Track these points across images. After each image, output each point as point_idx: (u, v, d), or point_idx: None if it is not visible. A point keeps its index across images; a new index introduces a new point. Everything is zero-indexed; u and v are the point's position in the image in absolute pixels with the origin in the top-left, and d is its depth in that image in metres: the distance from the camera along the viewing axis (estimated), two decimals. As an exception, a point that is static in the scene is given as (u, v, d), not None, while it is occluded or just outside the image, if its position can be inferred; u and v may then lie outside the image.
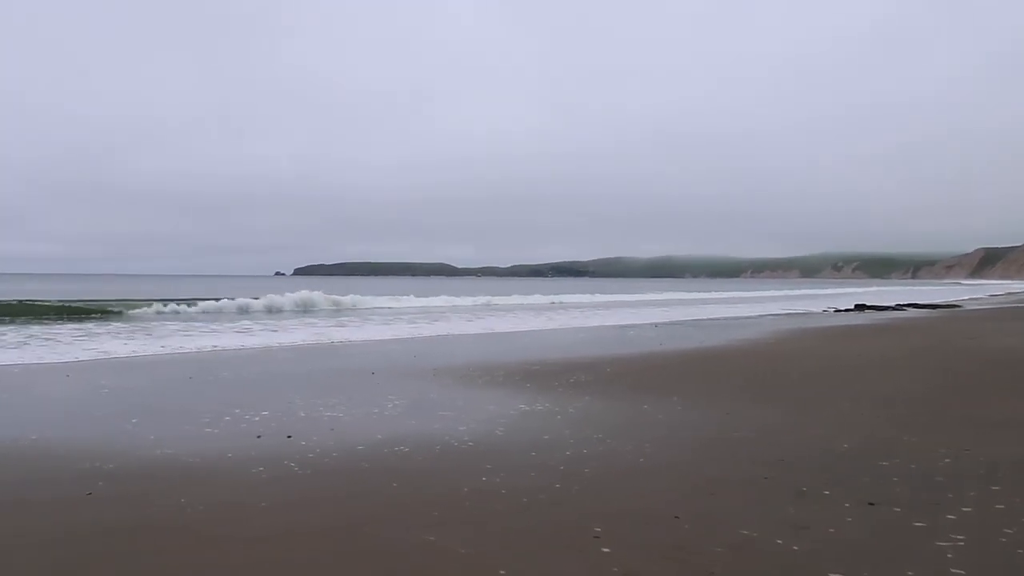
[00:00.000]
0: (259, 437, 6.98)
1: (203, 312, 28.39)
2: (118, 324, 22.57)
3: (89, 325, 22.02)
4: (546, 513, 4.73)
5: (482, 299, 42.81)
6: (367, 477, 5.63)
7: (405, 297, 41.39)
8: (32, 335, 18.13)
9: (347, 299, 35.75)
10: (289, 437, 6.95)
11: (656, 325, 24.28)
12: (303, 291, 34.54)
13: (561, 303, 42.96)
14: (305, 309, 31.87)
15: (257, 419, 7.84)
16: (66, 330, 19.80)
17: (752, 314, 31.43)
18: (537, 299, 46.37)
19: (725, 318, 28.70)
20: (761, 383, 10.67)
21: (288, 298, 32.41)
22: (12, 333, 18.59)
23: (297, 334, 19.69)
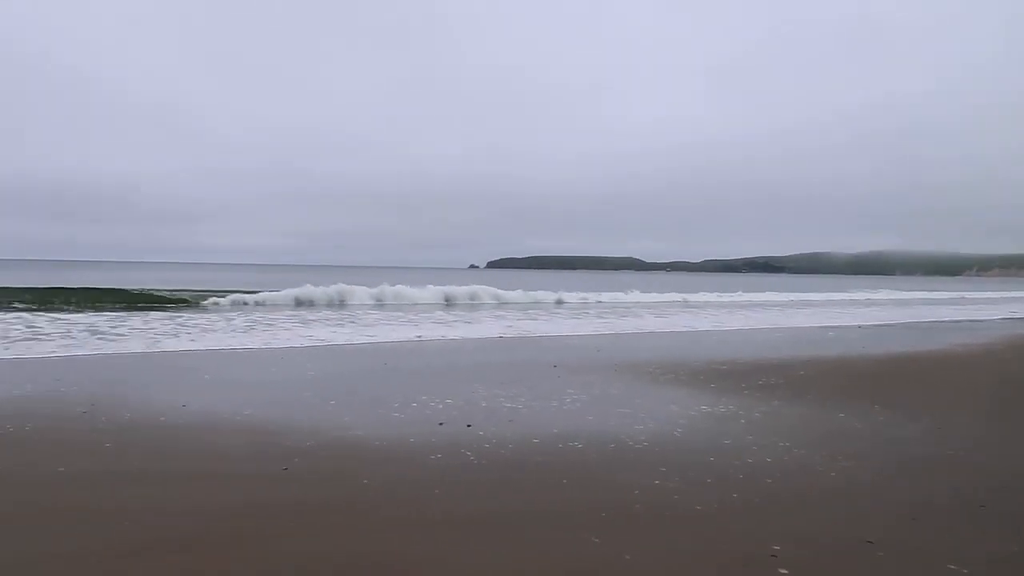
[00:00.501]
0: (441, 424, 7.25)
1: (402, 304, 30.19)
2: (328, 312, 24.57)
3: (303, 312, 24.19)
4: (720, 523, 4.48)
5: (671, 295, 41.81)
6: (539, 471, 5.65)
7: (593, 292, 41.41)
8: (256, 321, 20.21)
9: (536, 293, 36.51)
10: (469, 426, 7.17)
11: (860, 327, 22.42)
12: (472, 285, 35.61)
13: (755, 301, 40.99)
14: (498, 303, 32.90)
15: (441, 407, 8.16)
16: (283, 316, 21.88)
17: (976, 317, 28.13)
18: (729, 296, 44.59)
19: (943, 321, 25.91)
20: (982, 395, 9.48)
21: (469, 290, 33.73)
22: (240, 318, 20.85)
23: (487, 326, 20.36)
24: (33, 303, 23.73)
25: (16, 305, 23.07)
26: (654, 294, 42.00)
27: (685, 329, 21.13)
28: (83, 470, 5.49)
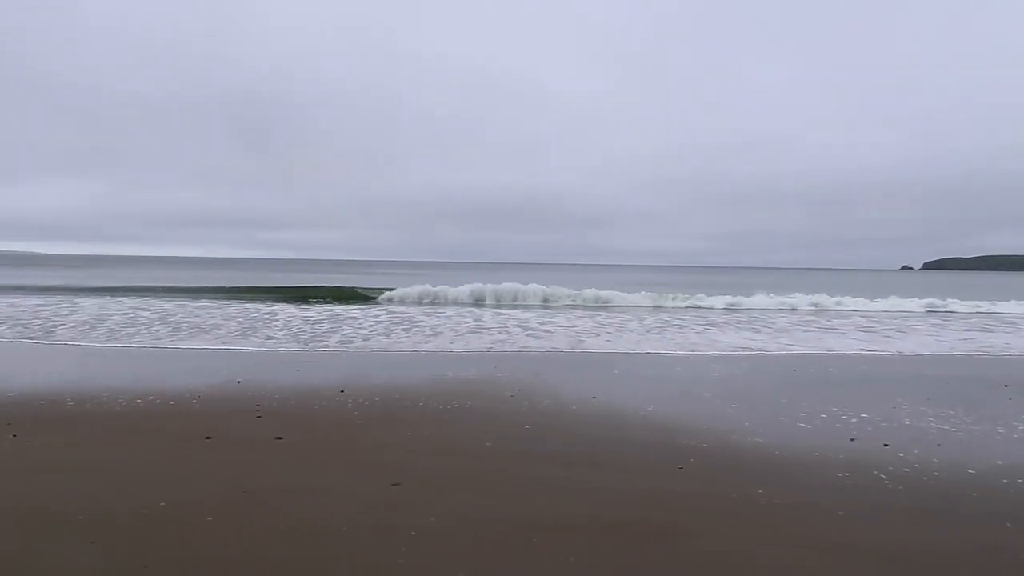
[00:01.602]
0: (852, 440, 6.59)
1: (819, 309, 28.31)
2: (736, 315, 24.19)
3: (711, 316, 24.19)
4: None
5: None
6: (974, 507, 4.76)
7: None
8: (666, 322, 20.81)
9: (986, 302, 31.12)
10: (886, 445, 6.39)
11: None
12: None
13: None
14: (935, 311, 28.88)
15: (854, 421, 7.43)
16: (691, 318, 22.16)
17: None
18: None
19: None
20: None
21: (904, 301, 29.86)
22: (651, 319, 21.68)
23: (923, 338, 18.03)
24: (484, 300, 27.89)
25: (464, 301, 27.34)
26: None
27: None
28: (506, 446, 6.23)
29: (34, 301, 23.24)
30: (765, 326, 19.87)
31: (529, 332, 16.90)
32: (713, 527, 4.35)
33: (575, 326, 18.66)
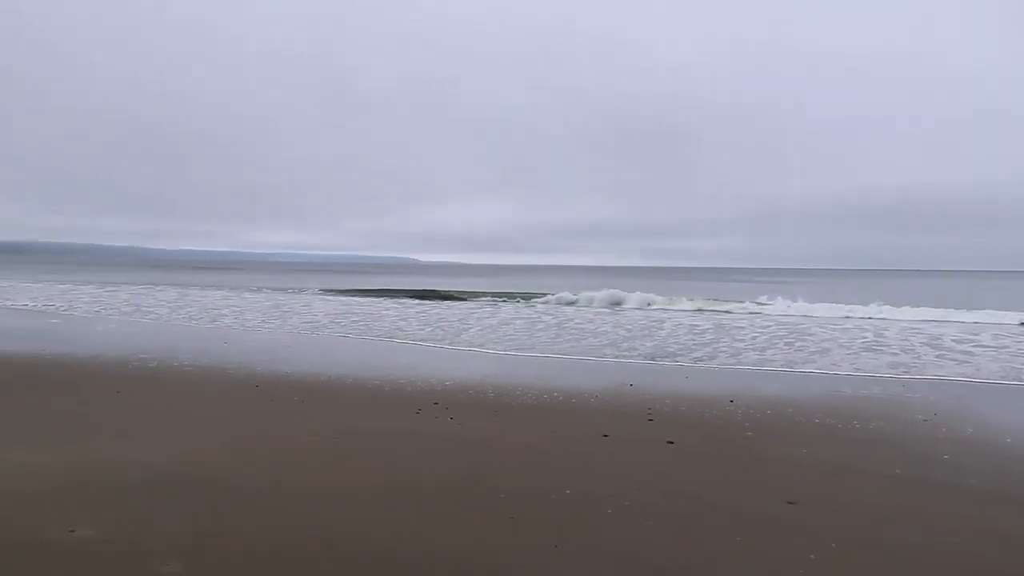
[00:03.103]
0: None
1: None
2: None
3: None
4: None
5: None
6: None
7: None
8: None
9: None
10: None
11: None
12: None
13: None
14: None
15: None
16: None
17: None
18: None
19: None
20: None
21: None
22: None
23: None
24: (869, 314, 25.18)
25: (853, 314, 24.86)
26: None
27: None
28: (918, 475, 5.59)
29: (469, 305, 27.39)
30: None
31: (941, 352, 14.78)
32: None
33: (1006, 347, 15.82)
